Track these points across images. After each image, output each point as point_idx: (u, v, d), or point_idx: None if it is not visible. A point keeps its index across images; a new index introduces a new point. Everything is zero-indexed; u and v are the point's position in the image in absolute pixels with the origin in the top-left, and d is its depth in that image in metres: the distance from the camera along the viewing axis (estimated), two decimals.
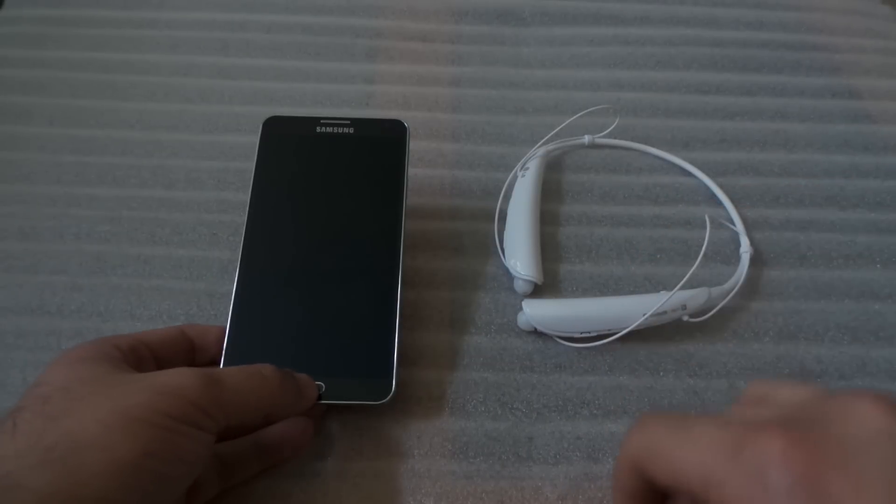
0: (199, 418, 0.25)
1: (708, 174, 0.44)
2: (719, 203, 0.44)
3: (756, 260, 0.41)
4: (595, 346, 0.37)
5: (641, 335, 0.37)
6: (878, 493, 0.16)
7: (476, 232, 0.42)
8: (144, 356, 0.30)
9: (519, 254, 0.39)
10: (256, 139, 0.38)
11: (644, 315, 0.35)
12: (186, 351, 0.32)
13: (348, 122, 0.38)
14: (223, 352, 0.33)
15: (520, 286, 0.39)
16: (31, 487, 0.22)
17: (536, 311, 0.37)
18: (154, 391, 0.25)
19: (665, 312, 0.36)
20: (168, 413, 0.24)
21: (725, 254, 0.42)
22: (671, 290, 0.35)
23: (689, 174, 0.45)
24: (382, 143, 0.38)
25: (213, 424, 0.26)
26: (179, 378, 0.26)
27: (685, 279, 0.35)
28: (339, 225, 0.36)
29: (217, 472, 0.30)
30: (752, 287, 0.40)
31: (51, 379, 0.26)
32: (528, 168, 0.43)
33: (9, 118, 0.47)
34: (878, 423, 0.18)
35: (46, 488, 0.22)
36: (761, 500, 0.17)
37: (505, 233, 0.41)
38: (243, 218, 0.36)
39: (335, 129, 0.38)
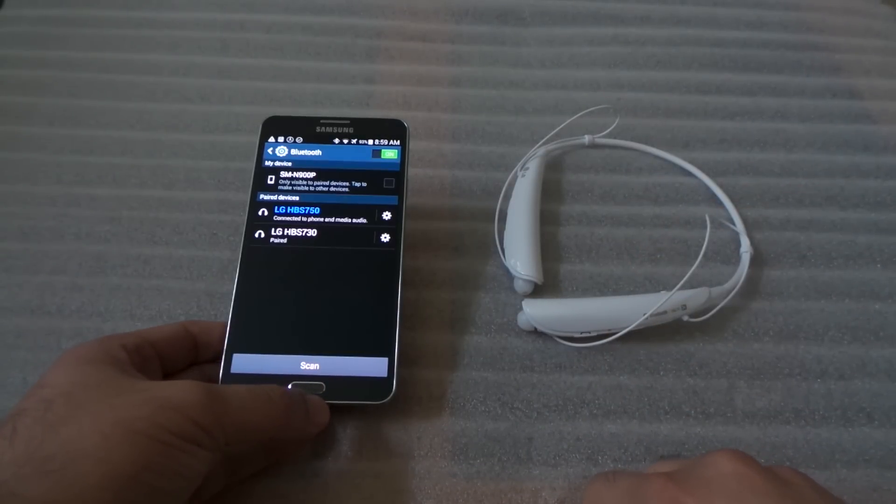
0: (199, 436, 0.25)
1: (708, 174, 0.44)
2: (719, 203, 0.44)
3: (756, 260, 0.41)
4: (595, 346, 0.37)
5: (641, 335, 0.37)
6: None
7: (476, 232, 0.42)
8: (149, 356, 0.30)
9: (519, 254, 0.39)
10: (256, 139, 0.38)
11: (644, 315, 0.35)
12: (190, 348, 0.32)
13: (348, 122, 0.38)
14: (223, 352, 0.33)
15: (520, 286, 0.39)
16: (27, 497, 0.22)
17: (536, 311, 0.37)
18: (157, 405, 0.25)
19: (665, 312, 0.36)
20: (169, 429, 0.24)
21: (725, 254, 0.42)
22: (671, 290, 0.35)
23: (689, 174, 0.45)
24: (382, 143, 0.38)
25: (213, 443, 0.26)
26: (184, 393, 0.26)
27: (685, 279, 0.35)
28: (339, 224, 0.36)
29: (223, 467, 0.30)
30: (752, 287, 0.40)
31: (55, 381, 0.26)
32: (528, 168, 0.43)
33: (9, 118, 0.47)
34: (728, 468, 0.25)
35: (42, 499, 0.22)
36: None
37: (505, 233, 0.41)
38: (243, 218, 0.36)
39: (335, 129, 0.38)
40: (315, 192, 0.37)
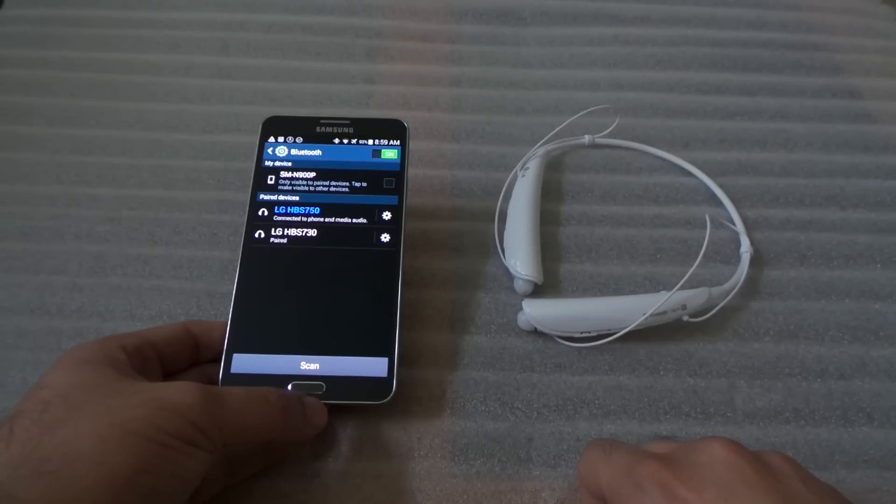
0: (196, 437, 0.25)
1: (708, 174, 0.44)
2: (719, 203, 0.44)
3: (756, 260, 0.41)
4: (595, 346, 0.37)
5: (641, 335, 0.37)
6: (711, 496, 0.24)
7: (476, 232, 0.42)
8: (149, 356, 0.30)
9: (519, 254, 0.39)
10: (256, 139, 0.38)
11: (644, 315, 0.35)
12: (191, 348, 0.32)
13: (348, 122, 0.38)
14: (223, 352, 0.33)
15: (520, 286, 0.39)
16: (23, 499, 0.22)
17: (536, 311, 0.37)
18: (154, 406, 0.25)
19: (665, 312, 0.36)
20: (166, 430, 0.24)
21: (725, 254, 0.42)
22: (671, 290, 0.35)
23: (689, 174, 0.45)
24: (382, 143, 0.38)
25: (210, 444, 0.26)
26: (181, 395, 0.26)
27: (685, 279, 0.35)
28: (339, 224, 0.36)
29: (221, 468, 0.30)
30: (752, 287, 0.40)
31: (53, 382, 0.26)
32: (528, 168, 0.43)
33: (9, 118, 0.47)
34: (720, 455, 0.26)
35: (38, 501, 0.22)
36: (637, 500, 0.26)
37: (505, 233, 0.41)
38: (243, 218, 0.36)
39: (335, 129, 0.38)
40: (315, 192, 0.37)
